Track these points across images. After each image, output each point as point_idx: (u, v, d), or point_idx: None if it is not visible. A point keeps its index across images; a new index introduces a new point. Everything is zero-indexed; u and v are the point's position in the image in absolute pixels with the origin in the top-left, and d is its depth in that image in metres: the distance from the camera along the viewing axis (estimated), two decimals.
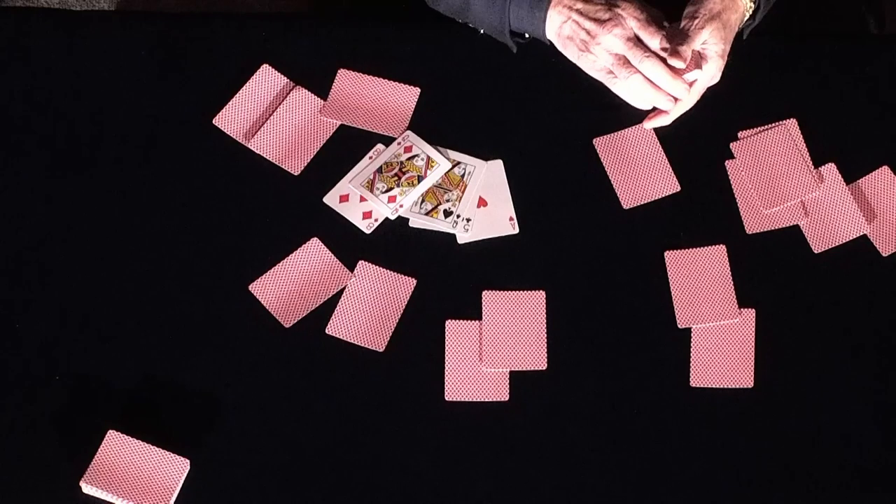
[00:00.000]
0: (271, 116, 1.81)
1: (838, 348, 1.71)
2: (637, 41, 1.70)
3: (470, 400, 1.69)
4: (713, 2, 1.71)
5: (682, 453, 1.67)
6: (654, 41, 1.70)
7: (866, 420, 1.68)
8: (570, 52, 1.74)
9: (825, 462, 1.66)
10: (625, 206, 1.78)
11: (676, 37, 1.69)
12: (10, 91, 1.84)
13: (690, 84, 1.71)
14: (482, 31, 1.81)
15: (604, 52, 1.71)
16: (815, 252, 1.75)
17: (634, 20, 1.70)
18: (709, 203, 1.78)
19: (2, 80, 1.84)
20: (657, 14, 1.73)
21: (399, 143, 1.81)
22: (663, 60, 1.69)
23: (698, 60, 1.71)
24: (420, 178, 1.78)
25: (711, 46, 1.71)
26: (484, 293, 1.73)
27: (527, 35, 1.78)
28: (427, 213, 1.77)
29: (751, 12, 1.76)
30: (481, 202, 1.78)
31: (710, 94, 1.75)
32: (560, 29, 1.73)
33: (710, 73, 1.72)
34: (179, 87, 1.84)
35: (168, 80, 1.84)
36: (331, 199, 1.78)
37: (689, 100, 1.74)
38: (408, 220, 1.77)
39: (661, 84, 1.71)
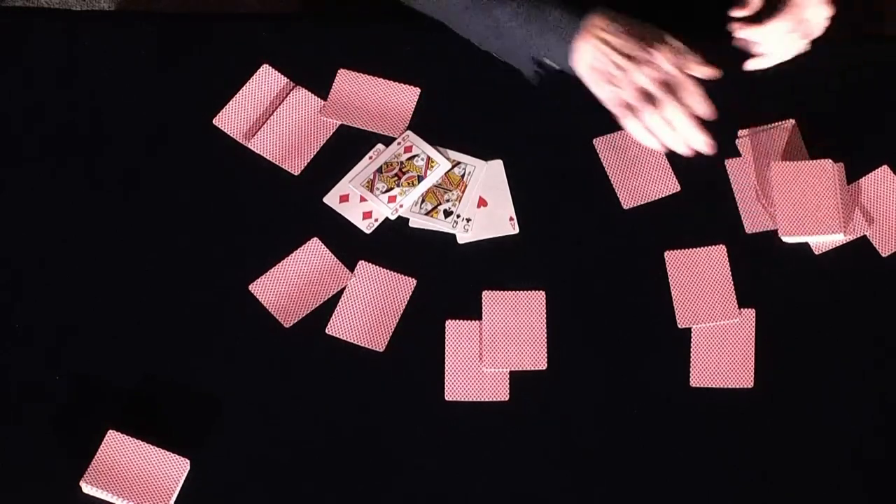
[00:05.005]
0: (271, 116, 1.81)
1: (838, 348, 1.71)
2: (666, 84, 1.70)
3: (470, 400, 1.69)
4: None
5: (682, 453, 1.67)
6: (696, 70, 1.71)
7: (866, 420, 1.68)
8: (593, 83, 1.73)
9: (825, 462, 1.66)
10: (625, 206, 1.78)
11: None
12: (10, 91, 1.84)
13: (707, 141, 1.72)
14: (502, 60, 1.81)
15: (630, 88, 1.71)
16: (815, 252, 1.75)
17: (668, 60, 1.70)
18: (709, 203, 1.78)
19: (2, 79, 1.84)
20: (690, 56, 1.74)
21: (399, 143, 1.80)
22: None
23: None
24: (420, 178, 1.78)
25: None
26: (484, 293, 1.73)
27: (548, 64, 1.77)
28: (427, 213, 1.77)
29: None
30: (481, 202, 1.78)
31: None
32: (591, 61, 1.72)
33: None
34: (179, 87, 1.84)
35: (168, 80, 1.84)
36: (331, 199, 1.78)
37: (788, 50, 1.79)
38: (408, 220, 1.77)
39: (681, 130, 1.71)
